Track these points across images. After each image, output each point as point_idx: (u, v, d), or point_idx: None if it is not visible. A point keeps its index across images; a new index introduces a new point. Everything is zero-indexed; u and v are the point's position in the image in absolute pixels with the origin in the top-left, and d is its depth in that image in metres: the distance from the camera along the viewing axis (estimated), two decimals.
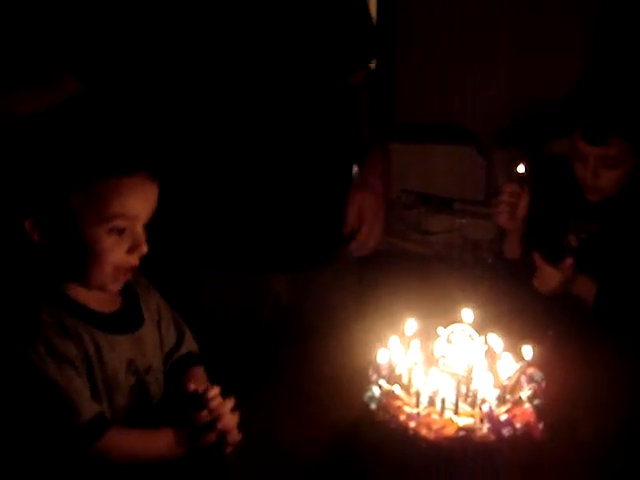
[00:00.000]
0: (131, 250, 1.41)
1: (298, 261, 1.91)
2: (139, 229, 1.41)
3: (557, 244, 2.06)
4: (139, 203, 1.41)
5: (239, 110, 1.78)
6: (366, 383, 1.48)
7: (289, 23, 1.78)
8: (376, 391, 1.45)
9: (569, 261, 1.95)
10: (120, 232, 1.39)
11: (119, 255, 1.40)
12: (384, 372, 1.48)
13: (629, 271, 1.97)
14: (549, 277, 1.97)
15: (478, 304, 1.62)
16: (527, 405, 1.41)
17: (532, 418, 1.38)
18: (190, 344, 1.59)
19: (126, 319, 1.48)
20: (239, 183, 1.82)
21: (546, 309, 1.98)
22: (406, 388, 1.47)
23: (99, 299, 1.44)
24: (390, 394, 1.43)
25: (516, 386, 1.47)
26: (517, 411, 1.38)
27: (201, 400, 1.41)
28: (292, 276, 1.93)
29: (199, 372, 1.56)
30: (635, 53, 2.98)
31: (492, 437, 1.34)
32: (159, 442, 1.40)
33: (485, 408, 1.36)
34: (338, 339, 1.80)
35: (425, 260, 3.02)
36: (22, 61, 1.89)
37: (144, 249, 1.42)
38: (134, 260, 1.42)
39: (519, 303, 2.02)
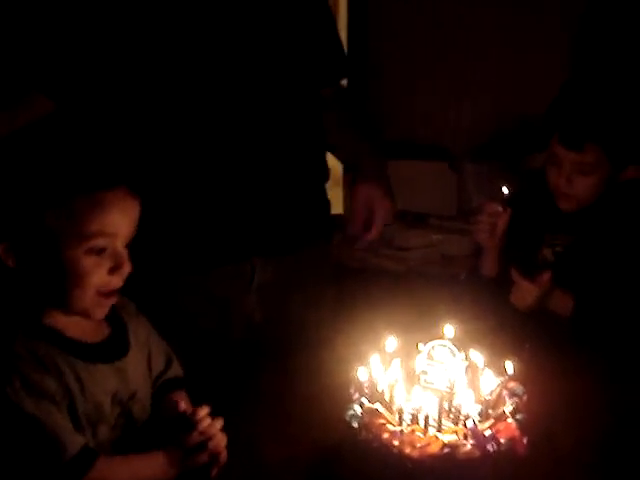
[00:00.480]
0: (113, 271, 1.35)
1: (275, 244, 1.90)
2: (120, 248, 1.36)
3: (532, 258, 2.06)
4: (119, 219, 1.35)
5: (212, 114, 1.78)
6: (347, 401, 1.47)
7: (257, 38, 1.80)
8: (358, 409, 1.44)
9: (546, 275, 1.94)
10: (99, 252, 1.34)
11: (100, 277, 1.34)
12: (365, 390, 1.47)
13: (605, 283, 1.97)
14: (526, 292, 1.96)
15: (457, 320, 1.61)
16: (510, 420, 1.40)
17: (516, 433, 1.37)
18: (176, 370, 1.56)
19: (110, 348, 1.43)
20: (213, 183, 1.82)
21: (523, 323, 1.98)
22: (388, 406, 1.45)
23: (83, 328, 1.39)
24: (372, 412, 1.41)
25: (498, 401, 1.46)
26: (500, 426, 1.38)
27: (189, 421, 1.38)
28: (264, 294, 1.92)
29: (181, 395, 1.53)
30: (616, 63, 3.01)
31: (477, 453, 1.33)
32: (149, 467, 1.36)
33: (469, 424, 1.35)
34: (316, 356, 1.79)
35: (400, 276, 3.01)
36: None
37: (127, 269, 1.36)
38: (117, 281, 1.37)
39: (496, 318, 2.02)
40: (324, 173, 2.04)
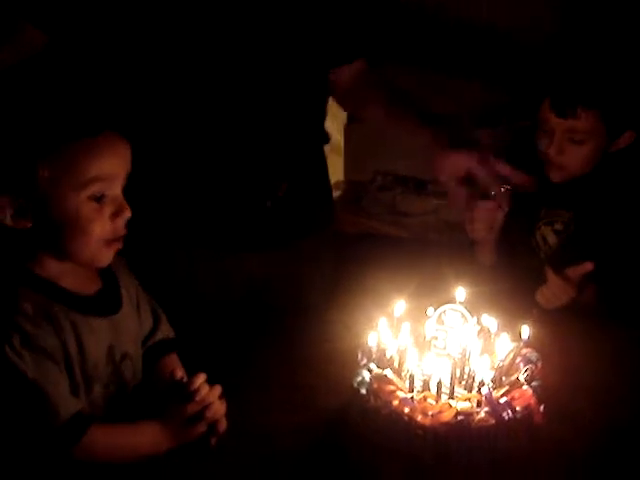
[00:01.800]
0: (114, 216, 1.31)
1: (272, 239, 1.84)
2: (118, 192, 1.32)
3: (529, 237, 1.98)
4: (114, 162, 1.30)
5: (214, 90, 1.70)
6: (355, 367, 1.41)
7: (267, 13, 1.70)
8: (366, 375, 1.39)
9: (589, 265, 1.79)
10: (99, 199, 1.29)
11: (103, 224, 1.30)
12: (374, 355, 1.42)
13: (614, 259, 1.88)
14: (563, 292, 1.81)
15: (467, 283, 1.56)
16: (525, 387, 1.35)
17: (532, 400, 1.32)
18: (166, 330, 1.51)
19: (105, 302, 1.38)
20: (211, 161, 1.74)
21: (530, 288, 1.92)
22: (398, 372, 1.40)
23: (76, 278, 1.34)
24: (382, 378, 1.36)
25: (511, 367, 1.41)
26: (516, 393, 1.33)
27: (184, 388, 1.33)
28: (265, 256, 1.86)
29: (173, 359, 1.48)
30: (608, 20, 2.92)
31: (492, 421, 1.28)
32: (145, 437, 1.31)
33: (484, 391, 1.30)
34: (321, 319, 1.74)
35: (402, 242, 2.96)
36: None
37: (128, 213, 1.32)
38: (120, 227, 1.32)
39: (501, 283, 1.96)
40: (324, 166, 1.98)
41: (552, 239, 1.97)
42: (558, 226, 1.95)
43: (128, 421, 1.33)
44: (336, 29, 1.82)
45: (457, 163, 1.74)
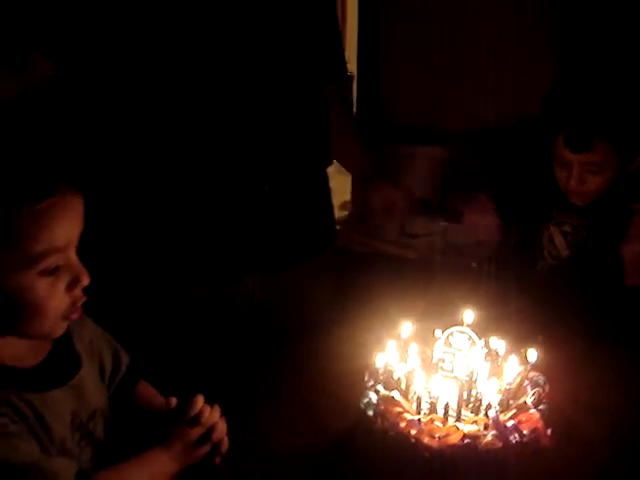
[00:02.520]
0: (71, 287, 1.14)
1: (272, 262, 1.85)
2: (73, 257, 1.15)
3: (536, 234, 2.01)
4: (67, 228, 1.13)
5: (208, 109, 1.71)
6: (361, 388, 1.41)
7: (259, 30, 1.73)
8: (373, 397, 1.39)
9: None
10: (53, 271, 1.12)
11: (60, 298, 1.14)
12: (381, 377, 1.42)
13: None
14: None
15: (474, 306, 1.56)
16: (532, 410, 1.35)
17: (539, 424, 1.32)
18: (124, 358, 1.38)
19: (58, 367, 1.22)
20: (211, 184, 1.75)
21: (537, 313, 1.93)
22: (405, 394, 1.41)
23: (19, 348, 1.17)
24: (389, 400, 1.37)
25: (519, 391, 1.41)
26: (523, 417, 1.33)
27: (183, 413, 1.29)
28: (266, 278, 1.86)
29: (146, 387, 1.41)
30: (609, 52, 2.94)
31: (499, 444, 1.28)
32: (151, 466, 1.24)
33: (491, 414, 1.30)
34: (325, 340, 1.73)
35: (407, 263, 2.96)
36: None
37: (86, 280, 1.15)
38: (78, 296, 1.16)
39: (509, 307, 1.96)
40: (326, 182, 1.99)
41: (559, 240, 2.01)
42: (567, 228, 1.99)
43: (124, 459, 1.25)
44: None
45: (383, 195, 2.00)
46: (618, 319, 1.88)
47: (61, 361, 1.23)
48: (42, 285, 1.11)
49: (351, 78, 3.36)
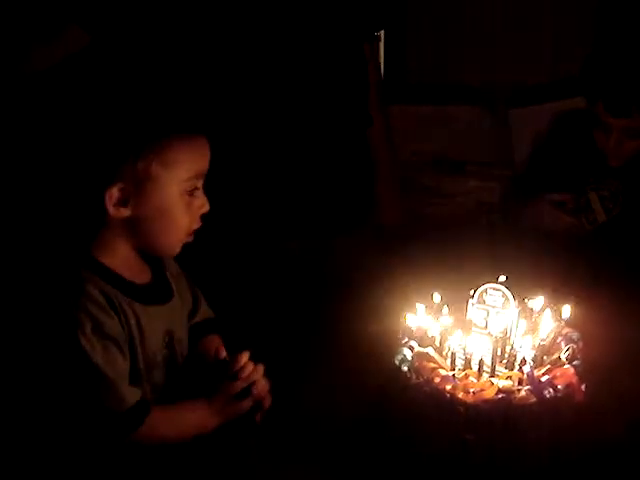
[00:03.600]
0: (198, 209, 1.36)
1: (314, 229, 1.87)
2: (201, 187, 1.37)
3: (576, 200, 2.03)
4: (207, 160, 1.36)
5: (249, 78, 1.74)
6: (396, 346, 1.43)
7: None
8: (408, 353, 1.40)
9: None
10: (191, 193, 1.34)
11: (191, 216, 1.35)
12: (415, 334, 1.43)
13: None
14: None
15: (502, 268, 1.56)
16: (567, 366, 1.35)
17: (574, 379, 1.33)
18: (205, 310, 1.53)
19: (158, 290, 1.40)
20: (253, 150, 1.78)
21: (567, 269, 1.94)
22: (439, 350, 1.42)
23: (131, 268, 1.36)
24: (423, 356, 1.38)
25: (553, 347, 1.42)
26: (557, 372, 1.33)
27: (228, 367, 1.35)
28: (311, 243, 1.89)
29: (214, 339, 1.50)
30: None
31: (533, 399, 1.29)
32: (195, 417, 1.34)
33: (526, 369, 1.31)
34: (363, 300, 1.75)
35: (439, 223, 2.96)
36: (25, 12, 1.80)
37: (207, 207, 1.37)
38: (198, 220, 1.37)
39: (541, 266, 1.96)
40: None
41: (596, 205, 2.04)
42: (605, 193, 2.02)
43: (175, 400, 1.36)
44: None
45: None
46: None
47: (160, 285, 1.41)
48: (183, 202, 1.32)
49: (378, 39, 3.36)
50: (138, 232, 1.33)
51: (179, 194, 1.32)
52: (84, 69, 1.66)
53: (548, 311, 1.46)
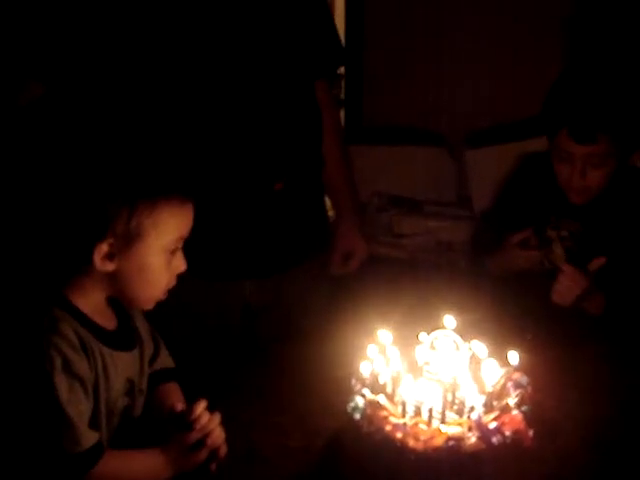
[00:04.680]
0: (176, 269, 1.39)
1: (268, 266, 1.87)
2: (181, 248, 1.40)
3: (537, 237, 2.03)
4: (191, 224, 1.40)
5: (202, 113, 1.75)
6: (348, 393, 1.44)
7: (251, 27, 1.76)
8: (360, 401, 1.41)
9: (601, 260, 1.89)
10: (173, 252, 1.37)
11: (170, 275, 1.38)
12: (367, 382, 1.45)
13: (622, 275, 1.94)
14: (576, 284, 1.90)
15: (457, 310, 1.58)
16: (515, 412, 1.37)
17: (522, 425, 1.35)
18: (165, 359, 1.54)
19: (124, 337, 1.42)
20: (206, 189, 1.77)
21: (524, 314, 1.96)
22: (390, 398, 1.43)
23: (103, 315, 1.38)
24: (375, 404, 1.39)
25: (502, 392, 1.44)
26: (506, 418, 1.35)
27: (185, 417, 1.35)
28: (261, 282, 1.89)
29: (172, 388, 1.51)
30: (614, 49, 2.98)
31: (482, 446, 1.30)
32: (148, 465, 1.34)
33: (474, 416, 1.33)
34: (315, 346, 1.76)
35: (398, 264, 2.98)
36: None
37: (184, 267, 1.40)
38: (175, 279, 1.40)
39: (497, 308, 1.99)
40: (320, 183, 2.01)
41: (555, 244, 2.01)
42: (564, 233, 2.01)
43: (131, 448, 1.36)
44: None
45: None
46: (601, 321, 1.91)
47: (125, 332, 1.43)
48: (164, 261, 1.36)
49: (340, 77, 3.40)
50: (117, 284, 1.35)
51: (163, 253, 1.35)
52: (79, 123, 1.66)
53: (493, 358, 1.47)
